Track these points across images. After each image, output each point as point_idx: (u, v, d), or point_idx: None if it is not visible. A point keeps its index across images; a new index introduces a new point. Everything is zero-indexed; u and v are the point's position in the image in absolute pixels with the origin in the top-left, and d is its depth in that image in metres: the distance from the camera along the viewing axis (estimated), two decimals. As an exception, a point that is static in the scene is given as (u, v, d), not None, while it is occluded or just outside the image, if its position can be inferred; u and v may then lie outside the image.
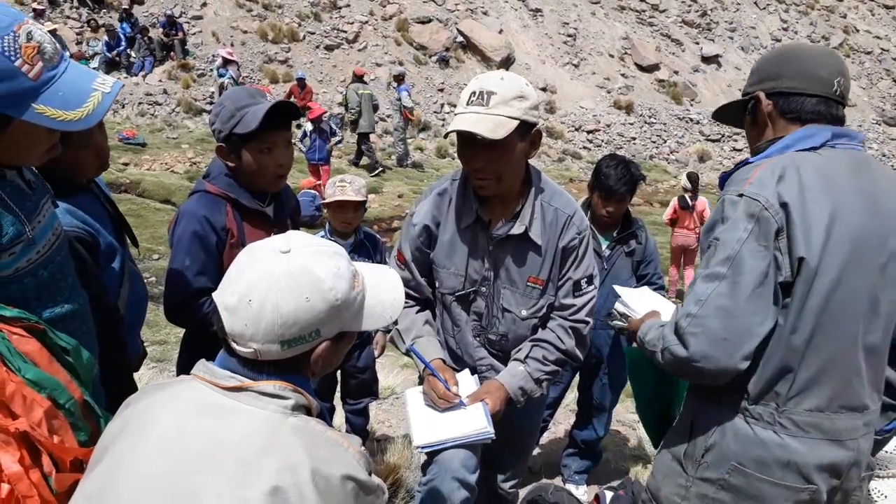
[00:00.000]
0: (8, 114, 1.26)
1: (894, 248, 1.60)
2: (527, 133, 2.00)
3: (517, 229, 2.10)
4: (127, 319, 1.92)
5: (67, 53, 1.40)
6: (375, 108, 13.85)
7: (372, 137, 14.25)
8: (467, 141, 1.98)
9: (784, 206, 1.54)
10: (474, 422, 2.05)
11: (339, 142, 12.72)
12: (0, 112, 1.26)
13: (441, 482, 2.09)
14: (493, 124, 1.90)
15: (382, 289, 1.32)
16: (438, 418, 2.10)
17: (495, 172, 2.01)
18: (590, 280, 2.21)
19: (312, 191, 10.13)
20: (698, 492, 1.71)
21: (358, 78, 14.21)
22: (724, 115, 1.93)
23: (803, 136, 1.65)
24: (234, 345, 1.16)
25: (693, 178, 9.17)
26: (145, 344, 2.11)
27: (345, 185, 3.30)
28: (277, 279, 1.12)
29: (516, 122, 1.92)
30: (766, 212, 1.54)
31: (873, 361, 1.64)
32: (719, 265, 1.57)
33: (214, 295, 1.18)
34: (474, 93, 1.95)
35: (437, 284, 2.28)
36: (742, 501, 1.67)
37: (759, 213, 1.54)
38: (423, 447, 2.07)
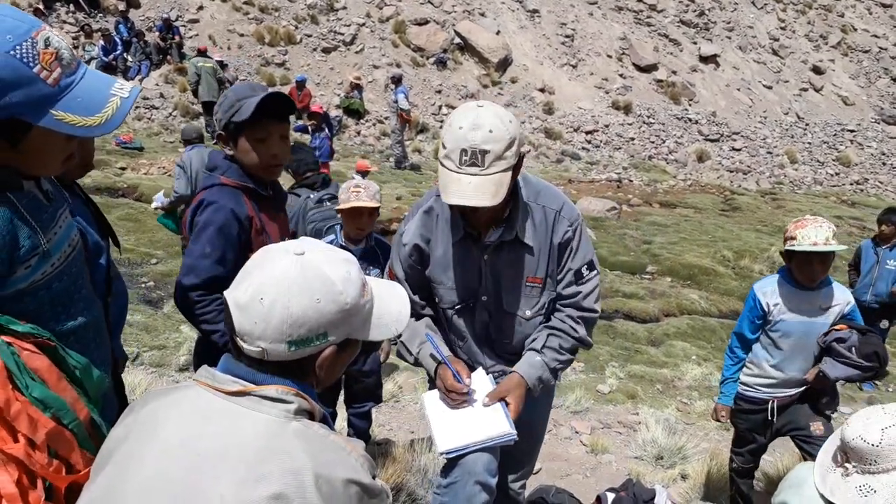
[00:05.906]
0: (27, 120, 1.26)
1: None
2: (517, 166, 1.99)
3: (507, 235, 2.11)
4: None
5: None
6: (220, 81, 14.55)
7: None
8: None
9: None
10: (497, 424, 2.06)
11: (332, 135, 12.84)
12: (20, 118, 1.25)
13: (463, 485, 2.10)
14: (493, 187, 1.87)
15: (390, 301, 1.33)
16: (459, 422, 2.10)
17: (493, 213, 2.04)
18: (590, 266, 2.20)
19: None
20: None
21: (201, 53, 15.16)
22: None
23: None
24: (242, 343, 1.16)
25: None
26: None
27: (360, 191, 3.29)
28: (290, 279, 1.13)
29: (511, 169, 1.92)
30: None
31: None
32: None
33: (226, 292, 1.19)
34: (465, 151, 1.86)
35: (436, 300, 2.28)
36: None
37: None
38: (447, 453, 2.08)
